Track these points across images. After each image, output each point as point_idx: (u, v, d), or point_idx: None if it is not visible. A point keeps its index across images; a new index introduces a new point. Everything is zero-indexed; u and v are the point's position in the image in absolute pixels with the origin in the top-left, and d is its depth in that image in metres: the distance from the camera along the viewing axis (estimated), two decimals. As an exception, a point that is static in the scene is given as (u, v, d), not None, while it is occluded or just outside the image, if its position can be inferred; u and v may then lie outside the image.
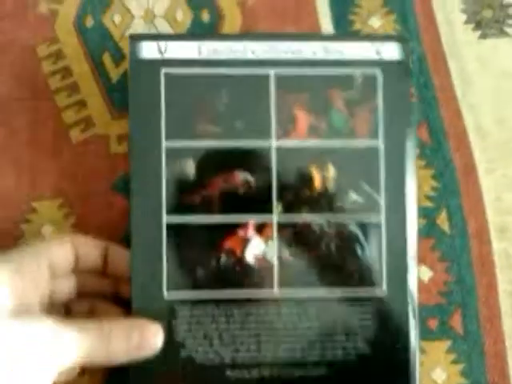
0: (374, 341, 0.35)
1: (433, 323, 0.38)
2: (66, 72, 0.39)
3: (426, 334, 0.38)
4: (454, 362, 0.38)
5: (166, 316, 0.34)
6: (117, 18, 0.40)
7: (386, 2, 0.41)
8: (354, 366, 0.35)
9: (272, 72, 0.36)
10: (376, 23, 0.41)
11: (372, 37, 0.37)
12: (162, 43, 0.35)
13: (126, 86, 0.35)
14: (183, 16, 0.40)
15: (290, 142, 0.36)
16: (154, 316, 0.34)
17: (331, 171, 0.36)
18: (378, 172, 0.36)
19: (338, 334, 0.35)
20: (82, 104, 0.39)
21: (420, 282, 0.38)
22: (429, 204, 0.39)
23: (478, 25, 0.41)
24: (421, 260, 0.38)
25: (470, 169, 0.40)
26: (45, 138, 0.38)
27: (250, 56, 0.36)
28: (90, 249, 0.34)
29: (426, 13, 0.41)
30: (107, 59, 0.39)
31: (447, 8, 0.41)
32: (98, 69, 0.40)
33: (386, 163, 0.36)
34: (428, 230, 0.39)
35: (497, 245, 0.39)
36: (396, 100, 0.36)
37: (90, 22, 0.40)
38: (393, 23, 0.41)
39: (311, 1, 0.41)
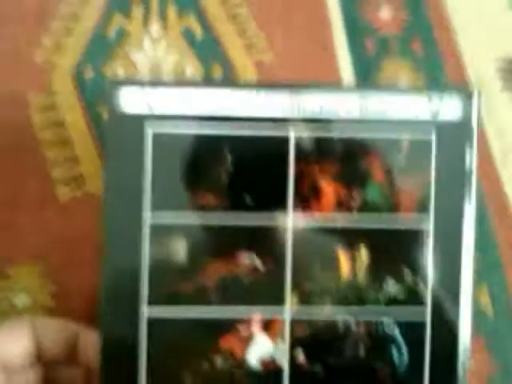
0: None
1: None
2: (59, 125, 0.34)
3: None
4: None
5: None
6: (119, 71, 0.33)
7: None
8: None
9: (292, 134, 0.27)
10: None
11: (426, 90, 0.27)
12: (151, 93, 0.27)
13: None
14: (193, 72, 0.32)
15: (310, 219, 0.27)
16: None
17: (364, 255, 0.28)
18: (424, 258, 0.28)
19: None
20: (74, 160, 0.34)
21: None
22: None
23: None
24: None
25: None
26: (28, 194, 0.33)
27: (263, 114, 0.27)
28: (56, 335, 0.28)
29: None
30: (105, 114, 0.33)
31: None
32: (95, 123, 0.34)
33: (435, 247, 0.28)
34: None
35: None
36: (453, 170, 0.27)
37: (89, 73, 0.34)
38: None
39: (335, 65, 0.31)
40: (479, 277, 0.32)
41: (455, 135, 0.27)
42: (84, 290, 0.32)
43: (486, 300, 0.32)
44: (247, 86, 0.27)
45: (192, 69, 0.32)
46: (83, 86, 0.34)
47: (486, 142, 0.32)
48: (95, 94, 0.33)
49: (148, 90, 0.27)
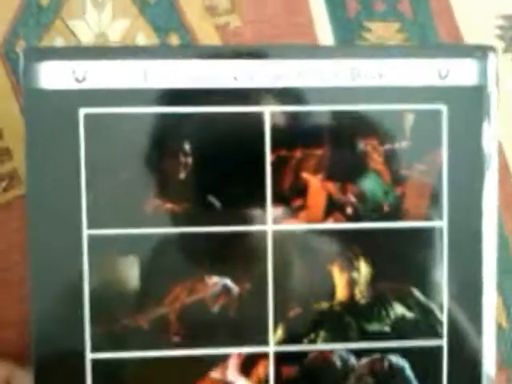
0: None
1: None
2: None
3: None
4: None
5: None
6: (58, 43, 0.27)
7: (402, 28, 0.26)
8: None
9: (266, 110, 0.21)
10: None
11: (432, 49, 0.23)
12: (81, 64, 0.21)
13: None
14: (146, 41, 0.26)
15: (296, 227, 0.22)
16: None
17: (363, 270, 0.22)
18: (438, 271, 0.22)
19: None
20: (5, 153, 0.27)
21: None
22: None
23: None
24: None
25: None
26: None
27: (229, 84, 0.21)
28: None
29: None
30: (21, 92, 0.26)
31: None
32: None
33: (451, 256, 0.22)
34: None
35: None
36: (470, 152, 0.22)
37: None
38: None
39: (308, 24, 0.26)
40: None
41: (470, 104, 0.22)
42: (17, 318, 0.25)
43: (499, 310, 0.27)
44: (209, 52, 0.22)
45: (144, 37, 0.26)
46: (14, 64, 0.27)
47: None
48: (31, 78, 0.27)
49: (79, 62, 0.21)
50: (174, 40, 0.26)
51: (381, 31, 0.27)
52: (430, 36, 0.27)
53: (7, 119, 0.27)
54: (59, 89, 0.21)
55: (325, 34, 0.27)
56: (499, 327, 0.27)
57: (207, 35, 0.26)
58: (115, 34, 0.27)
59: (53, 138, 0.21)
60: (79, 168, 0.21)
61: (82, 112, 0.21)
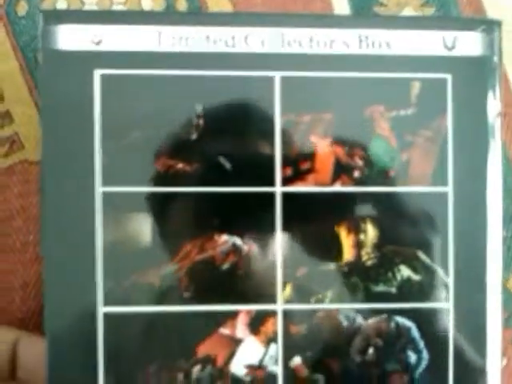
0: None
1: None
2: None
3: None
4: None
5: None
6: (60, 4, 0.27)
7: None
8: None
9: (277, 75, 0.22)
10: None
11: (438, 21, 0.23)
12: (98, 28, 0.22)
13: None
14: (152, 3, 0.27)
15: (305, 189, 0.22)
16: None
17: (371, 233, 0.23)
18: (444, 234, 0.23)
19: None
20: (6, 117, 0.27)
21: None
22: None
23: None
24: None
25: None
26: None
27: (241, 49, 0.22)
28: None
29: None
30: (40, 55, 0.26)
31: None
32: (30, 68, 0.27)
33: (456, 220, 0.23)
34: None
35: None
36: (474, 120, 0.23)
37: (22, 9, 0.27)
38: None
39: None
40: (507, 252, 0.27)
41: (476, 76, 0.22)
42: (18, 284, 0.26)
43: None
44: (222, 18, 0.22)
45: (150, 1, 0.27)
46: (15, 26, 0.27)
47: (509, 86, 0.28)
48: (31, 36, 0.27)
49: (96, 26, 0.22)
50: (183, 4, 0.27)
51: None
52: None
53: (7, 81, 0.27)
54: (76, 50, 0.22)
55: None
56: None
57: (218, 1, 0.27)
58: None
59: (69, 98, 0.22)
60: (93, 126, 0.22)
61: (98, 73, 0.22)
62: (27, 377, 0.23)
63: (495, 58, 0.23)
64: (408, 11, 0.27)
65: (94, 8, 0.27)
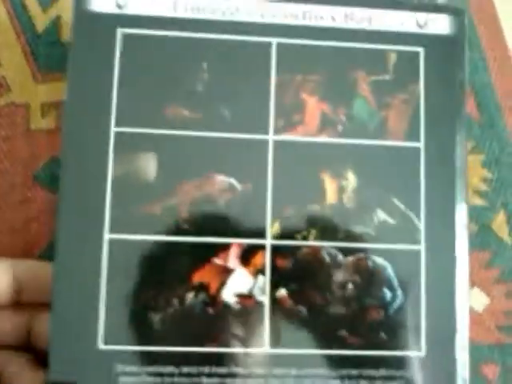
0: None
1: (490, 371, 0.26)
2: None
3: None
4: None
5: (103, 381, 0.23)
6: None
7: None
8: None
9: (274, 41, 0.26)
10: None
11: (413, 4, 0.27)
12: (123, -6, 0.26)
13: (57, 39, 0.26)
14: None
15: (294, 138, 0.25)
16: (80, 378, 0.23)
17: (351, 180, 0.25)
18: (416, 184, 0.25)
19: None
20: None
21: (472, 311, 0.28)
22: (480, 203, 0.29)
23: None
24: (472, 281, 0.28)
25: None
26: None
27: (244, 18, 0.26)
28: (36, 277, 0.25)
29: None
30: (31, 0, 0.29)
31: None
32: (18, 13, 0.29)
33: (427, 172, 0.25)
34: (481, 239, 0.29)
35: None
36: (444, 87, 0.26)
37: None
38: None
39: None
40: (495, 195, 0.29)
41: (445, 51, 0.26)
42: (13, 222, 0.28)
43: (503, 227, 0.29)
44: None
45: None
46: None
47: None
48: None
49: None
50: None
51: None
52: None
53: None
54: (103, 11, 0.25)
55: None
56: (501, 240, 0.29)
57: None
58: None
59: (94, 51, 0.25)
60: (112, 76, 0.25)
61: (120, 32, 0.25)
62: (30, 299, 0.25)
63: (461, 37, 0.26)
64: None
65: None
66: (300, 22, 0.26)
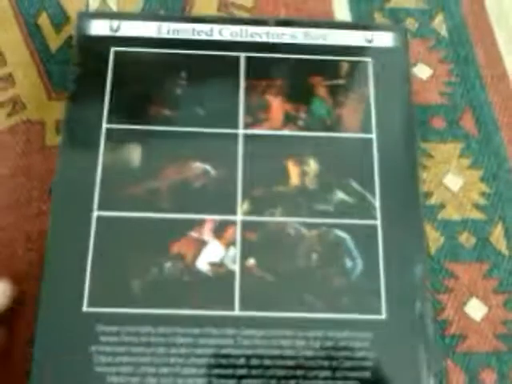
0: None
1: (488, 377, 0.28)
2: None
3: None
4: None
5: (85, 340, 0.25)
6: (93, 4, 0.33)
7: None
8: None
9: (242, 55, 0.30)
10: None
11: (361, 26, 0.32)
12: (116, 21, 0.31)
13: (68, 58, 0.30)
14: None
15: (261, 132, 0.29)
16: (67, 338, 0.25)
17: (313, 166, 0.29)
18: (371, 168, 0.29)
19: (319, 370, 0.25)
20: (8, 79, 0.30)
21: (471, 321, 0.29)
22: (478, 216, 0.30)
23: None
24: (471, 292, 0.29)
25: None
26: None
27: (216, 37, 0.31)
28: None
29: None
30: (45, 22, 0.32)
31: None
32: (32, 34, 0.31)
33: (380, 158, 0.29)
34: (479, 251, 0.30)
35: None
36: (391, 89, 0.30)
37: None
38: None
39: None
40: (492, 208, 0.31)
41: (390, 59, 0.31)
42: (27, 233, 0.30)
43: (500, 238, 0.30)
44: (205, 20, 0.31)
45: None
46: None
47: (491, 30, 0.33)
48: (34, 4, 0.30)
49: (114, 21, 0.31)
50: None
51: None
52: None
53: (10, 45, 0.29)
54: (99, 35, 0.30)
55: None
56: (499, 252, 0.30)
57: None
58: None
59: (93, 64, 0.30)
60: (106, 84, 0.29)
61: (113, 49, 0.30)
62: None
63: (402, 48, 0.31)
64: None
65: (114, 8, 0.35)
66: (264, 39, 0.31)
